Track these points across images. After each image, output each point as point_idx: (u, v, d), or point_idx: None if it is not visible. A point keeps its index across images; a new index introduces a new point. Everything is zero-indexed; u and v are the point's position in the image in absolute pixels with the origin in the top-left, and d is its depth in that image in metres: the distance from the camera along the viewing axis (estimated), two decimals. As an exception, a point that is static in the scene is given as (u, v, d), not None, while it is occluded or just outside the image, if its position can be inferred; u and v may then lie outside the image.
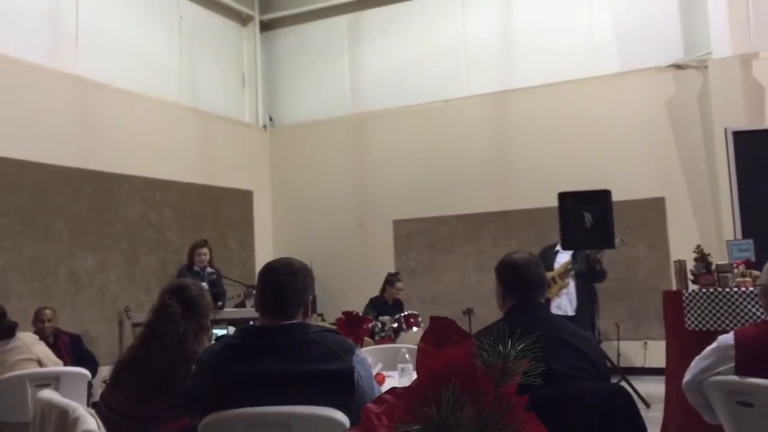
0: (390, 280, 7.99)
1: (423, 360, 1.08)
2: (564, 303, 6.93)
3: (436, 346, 1.05)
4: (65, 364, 5.22)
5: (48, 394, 2.79)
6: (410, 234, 9.67)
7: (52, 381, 3.79)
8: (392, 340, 6.70)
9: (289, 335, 2.36)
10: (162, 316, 2.97)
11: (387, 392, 1.13)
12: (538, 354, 1.29)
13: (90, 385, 5.00)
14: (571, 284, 6.93)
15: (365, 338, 5.63)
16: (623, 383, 6.44)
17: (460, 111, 9.48)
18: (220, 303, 7.03)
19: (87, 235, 7.67)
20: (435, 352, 1.04)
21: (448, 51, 9.67)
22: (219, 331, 3.74)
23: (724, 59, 7.89)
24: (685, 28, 8.46)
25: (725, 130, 7.25)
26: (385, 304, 7.78)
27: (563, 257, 7.04)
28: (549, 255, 7.09)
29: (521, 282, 2.65)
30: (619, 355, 7.64)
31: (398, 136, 9.81)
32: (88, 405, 4.52)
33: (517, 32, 9.28)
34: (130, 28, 8.64)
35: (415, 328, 6.96)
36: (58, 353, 5.39)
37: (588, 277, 6.89)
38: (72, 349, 6.49)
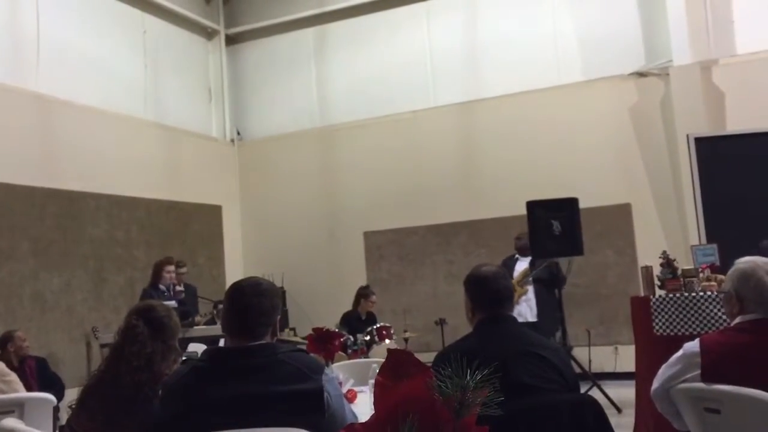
0: (365, 293, 7.96)
1: (380, 395, 1.06)
2: (524, 310, 7.05)
3: (394, 379, 1.04)
4: (31, 389, 5.11)
5: (11, 422, 2.72)
6: (381, 245, 9.67)
7: (16, 408, 3.69)
8: (365, 353, 6.67)
9: (257, 356, 2.33)
10: (128, 337, 2.93)
11: (345, 429, 1.11)
12: (504, 368, 1.28)
13: (57, 410, 4.90)
14: (530, 291, 7.04)
15: (338, 353, 5.60)
16: (595, 389, 6.49)
17: (428, 122, 9.53)
18: (189, 319, 6.93)
19: (52, 255, 7.54)
20: (392, 386, 1.02)
21: (415, 62, 9.73)
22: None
23: (685, 66, 8.04)
24: (646, 37, 8.61)
25: (687, 137, 7.38)
26: (358, 318, 7.75)
27: (522, 265, 7.17)
28: (509, 264, 7.24)
29: (490, 296, 2.66)
30: (590, 360, 7.69)
31: (367, 147, 9.82)
32: (54, 430, 4.43)
33: (482, 43, 9.37)
34: (93, 44, 8.54)
35: (387, 341, 6.95)
36: (24, 377, 5.27)
37: (549, 283, 7.00)
38: (38, 373, 6.37)
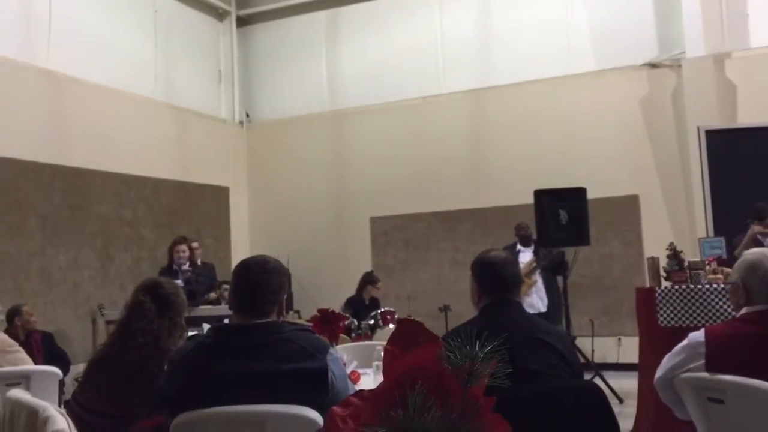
0: (372, 279, 7.97)
1: (390, 363, 1.07)
2: (535, 301, 7.04)
3: (403, 348, 1.04)
4: (37, 363, 5.15)
5: (17, 393, 2.74)
6: (387, 231, 9.68)
7: (23, 380, 3.72)
8: (369, 338, 6.70)
9: (262, 334, 2.34)
10: (135, 313, 2.94)
11: (353, 395, 1.12)
12: (509, 353, 1.28)
13: (62, 384, 4.94)
14: (539, 281, 7.03)
15: (341, 335, 5.62)
16: (597, 379, 6.50)
17: (438, 108, 9.50)
18: (205, 297, 7.00)
19: (60, 231, 7.57)
20: (401, 355, 1.03)
21: (426, 48, 9.68)
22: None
23: (698, 58, 7.98)
24: (660, 28, 8.55)
25: (698, 129, 7.35)
26: (362, 303, 7.76)
27: (525, 256, 7.14)
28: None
29: (497, 281, 2.65)
30: (593, 350, 7.71)
31: (376, 132, 9.80)
32: (60, 404, 4.46)
33: (494, 30, 9.32)
34: (104, 23, 8.52)
35: (391, 325, 6.96)
36: (30, 352, 5.31)
37: (554, 270, 6.99)
38: (44, 347, 6.42)
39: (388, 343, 1.11)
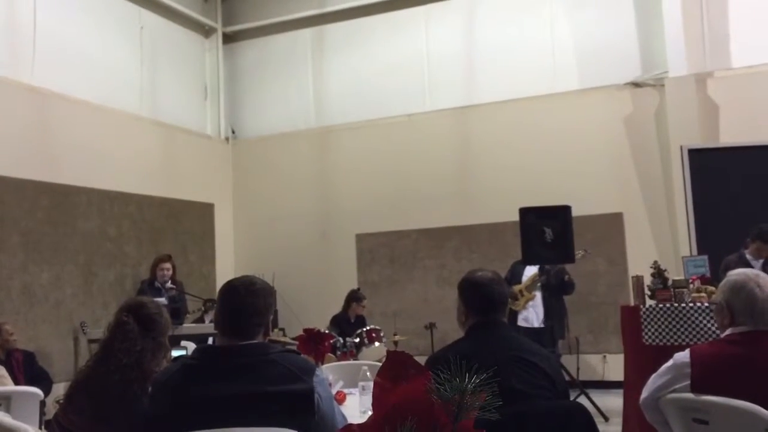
0: (357, 297, 7.95)
1: (379, 396, 1.06)
2: (531, 316, 7.03)
3: (393, 381, 1.04)
4: (18, 383, 5.08)
5: (-2, 416, 2.71)
6: (373, 248, 9.67)
7: (3, 401, 3.67)
8: (354, 355, 6.67)
9: (248, 356, 2.32)
10: (118, 334, 2.90)
11: (342, 429, 1.11)
12: (495, 373, 1.28)
13: (43, 404, 4.87)
14: (538, 297, 7.02)
15: (327, 354, 5.59)
16: (582, 397, 6.51)
17: (423, 126, 9.53)
18: (179, 320, 6.94)
19: (42, 248, 7.50)
20: (391, 388, 1.02)
21: (412, 66, 9.73)
22: (176, 352, 3.65)
23: (680, 78, 8.08)
24: (643, 48, 8.65)
25: (681, 148, 7.42)
26: (347, 321, 7.74)
27: (531, 270, 7.14)
28: (518, 269, 7.21)
29: (484, 301, 2.66)
30: (578, 368, 7.72)
31: (361, 150, 9.82)
32: (40, 425, 4.40)
33: (479, 49, 9.38)
34: (90, 39, 8.51)
35: (377, 343, 6.94)
36: (10, 371, 5.24)
37: (558, 289, 7.00)
38: (25, 366, 6.33)
39: (377, 375, 1.11)
